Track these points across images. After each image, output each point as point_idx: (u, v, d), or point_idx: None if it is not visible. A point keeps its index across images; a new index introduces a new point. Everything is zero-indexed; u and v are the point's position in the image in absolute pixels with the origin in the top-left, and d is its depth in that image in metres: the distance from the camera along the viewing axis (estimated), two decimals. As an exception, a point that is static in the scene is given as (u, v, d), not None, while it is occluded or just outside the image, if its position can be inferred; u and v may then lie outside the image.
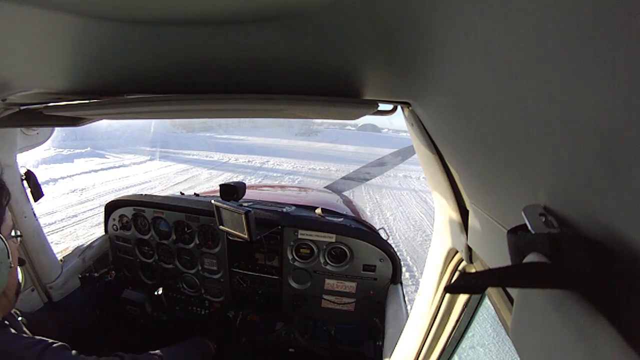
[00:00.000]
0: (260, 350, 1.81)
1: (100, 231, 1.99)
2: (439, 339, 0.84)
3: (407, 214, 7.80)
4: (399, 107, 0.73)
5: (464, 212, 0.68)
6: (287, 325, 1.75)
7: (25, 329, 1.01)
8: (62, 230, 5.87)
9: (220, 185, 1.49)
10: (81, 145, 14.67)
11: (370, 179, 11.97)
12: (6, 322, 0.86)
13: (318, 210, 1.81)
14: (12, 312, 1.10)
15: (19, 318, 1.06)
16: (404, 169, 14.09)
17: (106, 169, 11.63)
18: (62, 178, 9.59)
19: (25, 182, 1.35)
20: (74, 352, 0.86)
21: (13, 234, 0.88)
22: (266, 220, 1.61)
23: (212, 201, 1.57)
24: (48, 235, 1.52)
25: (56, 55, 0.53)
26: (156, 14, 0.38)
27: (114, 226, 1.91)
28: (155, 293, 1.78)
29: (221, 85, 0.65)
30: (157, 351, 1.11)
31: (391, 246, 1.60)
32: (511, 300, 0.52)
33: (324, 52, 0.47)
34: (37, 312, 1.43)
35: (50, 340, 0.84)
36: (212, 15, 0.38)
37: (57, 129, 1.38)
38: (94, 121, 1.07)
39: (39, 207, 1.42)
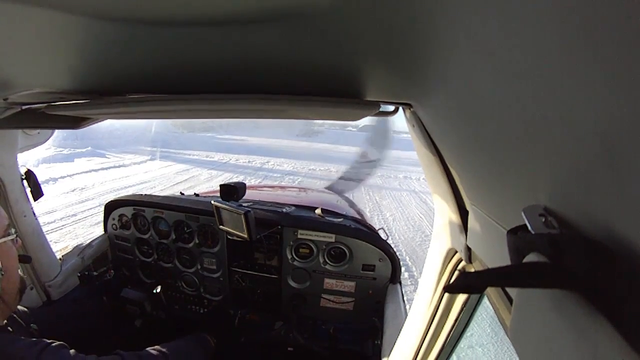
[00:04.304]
0: (260, 349, 1.81)
1: (99, 230, 1.99)
2: (437, 338, 0.84)
3: (407, 214, 7.80)
4: (400, 109, 0.73)
5: (463, 213, 0.68)
6: (286, 325, 1.75)
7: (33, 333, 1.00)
8: (62, 229, 5.88)
9: (221, 186, 1.49)
10: (82, 145, 14.64)
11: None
12: (9, 328, 0.86)
13: (318, 211, 1.81)
14: (24, 312, 1.09)
15: (32, 325, 1.05)
16: (404, 170, 14.07)
17: (106, 168, 11.61)
18: (62, 177, 9.59)
19: (25, 182, 1.35)
20: (72, 351, 0.86)
21: (10, 236, 0.85)
22: (266, 220, 1.61)
23: (212, 201, 1.56)
24: (47, 234, 1.52)
25: (58, 54, 0.53)
26: (157, 14, 0.38)
27: (114, 225, 1.90)
28: (154, 291, 1.78)
29: (223, 85, 0.65)
30: (158, 346, 1.11)
31: (390, 246, 1.60)
32: (510, 300, 0.52)
33: (325, 53, 0.47)
34: (38, 309, 1.43)
35: (49, 340, 0.84)
36: (214, 15, 0.38)
37: (57, 128, 1.38)
38: (95, 123, 1.07)
39: (38, 206, 1.42)
